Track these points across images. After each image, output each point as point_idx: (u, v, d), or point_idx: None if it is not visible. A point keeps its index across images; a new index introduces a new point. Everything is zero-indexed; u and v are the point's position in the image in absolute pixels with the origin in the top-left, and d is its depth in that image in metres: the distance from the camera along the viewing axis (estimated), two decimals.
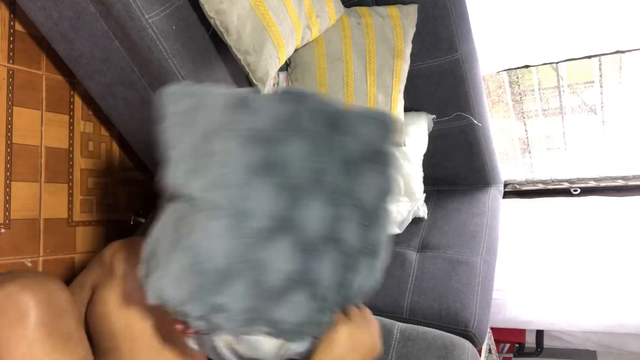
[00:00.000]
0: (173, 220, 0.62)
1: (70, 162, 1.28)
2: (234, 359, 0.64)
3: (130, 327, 0.71)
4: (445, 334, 1.26)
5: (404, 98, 1.50)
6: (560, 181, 1.97)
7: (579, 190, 1.91)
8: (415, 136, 1.58)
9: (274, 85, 1.31)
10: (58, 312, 0.64)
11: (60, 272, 1.23)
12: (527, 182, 2.03)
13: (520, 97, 2.03)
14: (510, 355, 1.90)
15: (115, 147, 1.43)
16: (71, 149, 1.29)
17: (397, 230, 1.61)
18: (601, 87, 1.88)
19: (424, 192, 1.69)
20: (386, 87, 1.38)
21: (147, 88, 1.05)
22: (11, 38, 1.13)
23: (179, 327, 0.61)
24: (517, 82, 2.01)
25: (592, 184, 1.91)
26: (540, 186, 2.01)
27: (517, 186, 2.04)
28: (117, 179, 1.43)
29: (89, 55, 1.03)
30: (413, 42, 1.41)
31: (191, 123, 0.65)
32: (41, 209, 1.20)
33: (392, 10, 1.38)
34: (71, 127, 1.29)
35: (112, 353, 0.71)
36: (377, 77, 1.36)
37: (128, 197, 1.46)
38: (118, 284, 0.74)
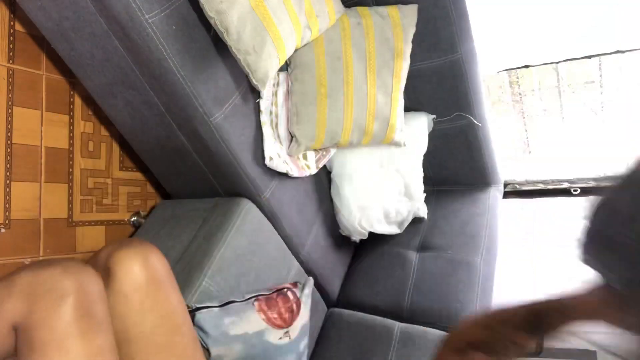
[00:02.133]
0: None
1: (70, 162, 1.28)
2: None
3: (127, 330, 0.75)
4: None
5: (404, 98, 1.50)
6: (560, 181, 1.97)
7: (579, 190, 1.91)
8: (415, 136, 1.58)
9: (273, 85, 1.31)
10: (93, 299, 0.68)
11: None
12: (527, 182, 2.03)
13: (520, 97, 2.03)
14: None
15: (115, 147, 1.43)
16: (71, 149, 1.29)
17: (397, 230, 1.61)
18: (601, 87, 1.88)
19: (424, 192, 1.69)
20: (386, 87, 1.38)
21: (147, 88, 1.05)
22: (11, 38, 1.13)
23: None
24: (517, 82, 2.00)
25: (592, 184, 1.91)
26: (540, 186, 2.01)
27: (517, 186, 2.04)
28: (117, 179, 1.43)
29: (89, 55, 1.03)
30: (413, 42, 1.41)
31: None
32: (41, 209, 1.20)
33: (392, 10, 1.38)
34: (71, 127, 1.29)
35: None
36: (377, 77, 1.36)
37: (128, 197, 1.46)
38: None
